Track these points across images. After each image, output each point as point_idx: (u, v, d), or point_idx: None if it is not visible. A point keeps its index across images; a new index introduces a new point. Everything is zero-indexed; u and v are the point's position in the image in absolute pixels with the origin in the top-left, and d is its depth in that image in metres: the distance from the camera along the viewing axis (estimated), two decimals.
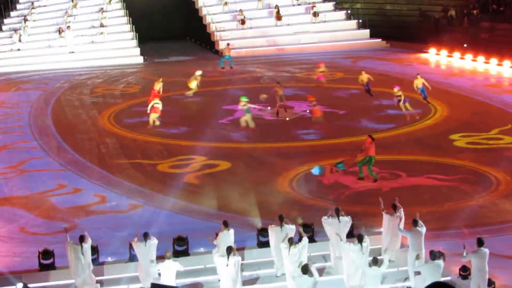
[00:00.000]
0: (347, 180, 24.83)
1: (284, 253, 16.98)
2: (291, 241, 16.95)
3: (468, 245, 16.78)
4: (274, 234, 18.08)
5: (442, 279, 17.06)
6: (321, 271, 17.66)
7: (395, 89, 32.25)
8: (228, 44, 46.98)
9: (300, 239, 17.20)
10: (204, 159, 27.34)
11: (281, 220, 18.18)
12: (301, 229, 17.76)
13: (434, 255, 16.23)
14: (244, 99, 31.56)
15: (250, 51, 48.42)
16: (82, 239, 17.33)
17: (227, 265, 16.37)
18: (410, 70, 43.20)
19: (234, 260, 16.41)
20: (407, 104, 31.88)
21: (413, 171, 25.21)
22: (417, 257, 16.83)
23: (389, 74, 42.44)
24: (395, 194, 20.28)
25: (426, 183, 24.25)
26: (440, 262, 16.21)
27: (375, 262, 16.08)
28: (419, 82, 33.69)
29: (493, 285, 16.66)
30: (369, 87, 36.20)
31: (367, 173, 24.46)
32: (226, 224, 18.04)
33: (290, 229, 17.94)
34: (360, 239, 16.97)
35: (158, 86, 34.06)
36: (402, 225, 18.13)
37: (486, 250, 16.42)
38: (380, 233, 18.92)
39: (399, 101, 32.02)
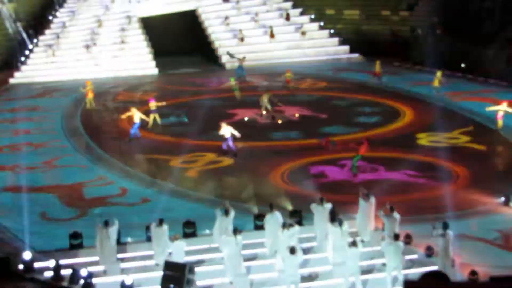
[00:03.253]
0: (332, 171, 24.88)
1: (278, 236, 17.01)
2: (284, 226, 16.99)
3: (432, 228, 16.79)
4: (267, 219, 18.13)
5: (407, 258, 17.11)
6: (309, 251, 17.73)
7: None
8: (244, 57, 46.57)
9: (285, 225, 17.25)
10: (213, 156, 27.27)
11: (271, 208, 18.23)
12: (292, 221, 17.77)
13: (396, 237, 16.29)
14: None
15: (248, 64, 48.15)
16: (106, 223, 17.32)
17: (237, 244, 16.39)
18: (383, 79, 43.08)
19: (241, 239, 16.50)
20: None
21: (386, 165, 25.20)
22: (382, 237, 16.87)
23: (365, 84, 42.42)
24: (371, 185, 20.30)
25: (397, 177, 24.25)
26: (400, 243, 16.26)
27: (354, 243, 16.12)
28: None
29: (454, 262, 16.66)
30: None
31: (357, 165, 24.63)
32: (226, 212, 18.06)
33: (279, 216, 17.97)
34: (340, 223, 17.04)
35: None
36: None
37: (450, 233, 16.46)
38: (355, 218, 18.94)
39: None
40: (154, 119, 32.15)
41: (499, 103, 30.74)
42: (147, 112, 32.03)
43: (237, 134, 26.79)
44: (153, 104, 32.42)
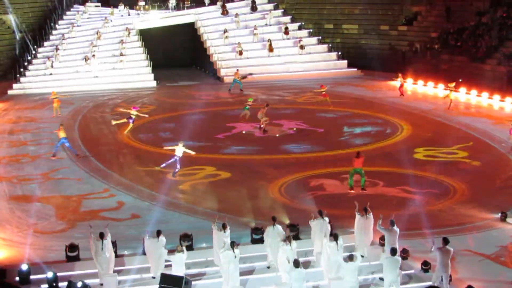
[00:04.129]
0: (330, 185, 24.92)
1: (281, 249, 17.02)
2: (290, 239, 17.04)
3: (432, 243, 16.82)
4: (268, 232, 18.16)
5: (404, 272, 17.14)
6: (305, 265, 17.74)
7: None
8: (237, 70, 47.03)
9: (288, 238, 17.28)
10: (213, 169, 27.32)
11: (274, 220, 18.29)
12: (288, 232, 17.80)
13: (394, 252, 16.33)
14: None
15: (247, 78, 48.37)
16: (102, 236, 17.34)
17: (235, 256, 16.42)
18: (380, 94, 43.35)
19: (238, 252, 16.53)
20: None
21: (385, 180, 25.24)
22: (383, 251, 16.91)
23: (362, 98, 42.54)
24: (368, 199, 20.31)
25: (394, 192, 24.28)
26: (398, 257, 16.30)
27: (351, 258, 16.14)
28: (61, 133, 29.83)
29: (450, 278, 16.69)
30: None
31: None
32: (224, 226, 18.12)
33: (280, 229, 18.02)
34: (336, 238, 17.07)
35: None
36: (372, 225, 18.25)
37: (450, 249, 16.50)
38: (353, 232, 18.98)
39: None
40: (129, 126, 33.63)
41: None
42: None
43: (192, 152, 26.80)
44: (133, 112, 33.77)
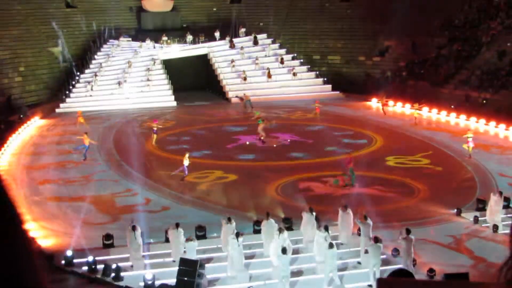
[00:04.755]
0: (317, 186, 24.92)
1: (273, 238, 17.07)
2: (280, 230, 17.10)
3: (399, 233, 16.87)
4: (264, 225, 18.23)
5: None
6: (296, 251, 17.77)
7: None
8: (244, 93, 47.05)
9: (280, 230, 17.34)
10: (220, 173, 27.37)
11: (267, 215, 18.33)
12: (282, 225, 17.85)
13: (376, 239, 16.35)
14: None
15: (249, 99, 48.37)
16: (134, 228, 17.41)
17: (239, 245, 16.46)
18: (359, 112, 43.35)
19: (242, 241, 16.59)
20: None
21: (360, 182, 25.25)
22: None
23: (343, 115, 42.60)
24: (347, 198, 20.37)
25: (369, 191, 24.29)
26: (381, 244, 16.33)
27: (331, 246, 16.19)
28: None
29: (415, 261, 16.73)
30: None
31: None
32: (229, 219, 18.17)
33: (273, 223, 18.07)
34: (326, 229, 17.12)
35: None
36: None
37: (412, 237, 16.54)
38: (336, 224, 19.03)
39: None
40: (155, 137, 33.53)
41: (466, 132, 30.34)
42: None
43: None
44: (155, 125, 33.77)
